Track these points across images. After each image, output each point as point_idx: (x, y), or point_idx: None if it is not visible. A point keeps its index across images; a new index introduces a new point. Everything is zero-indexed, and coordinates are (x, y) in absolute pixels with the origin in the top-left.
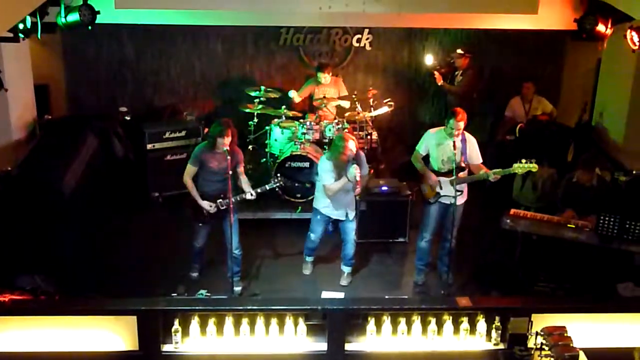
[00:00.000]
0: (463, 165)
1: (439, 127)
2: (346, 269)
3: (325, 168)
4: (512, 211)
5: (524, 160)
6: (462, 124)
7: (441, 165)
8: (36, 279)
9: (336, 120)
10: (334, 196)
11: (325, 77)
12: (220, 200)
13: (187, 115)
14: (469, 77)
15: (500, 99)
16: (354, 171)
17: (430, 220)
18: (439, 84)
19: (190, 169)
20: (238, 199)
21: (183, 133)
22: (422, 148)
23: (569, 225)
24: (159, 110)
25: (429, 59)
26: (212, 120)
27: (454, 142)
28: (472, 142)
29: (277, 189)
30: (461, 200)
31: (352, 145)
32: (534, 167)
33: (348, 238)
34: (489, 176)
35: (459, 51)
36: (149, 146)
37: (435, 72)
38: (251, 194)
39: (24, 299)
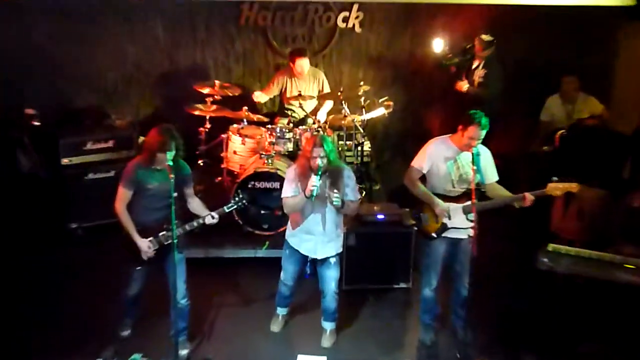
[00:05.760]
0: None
1: (446, 135)
2: (328, 326)
3: (288, 177)
4: (551, 246)
5: (556, 179)
6: (484, 132)
7: (451, 187)
8: None
9: (315, 125)
10: (292, 213)
11: (301, 67)
12: (164, 232)
13: (116, 119)
14: (494, 71)
15: (534, 99)
16: (310, 184)
17: (435, 260)
18: (464, 89)
19: (123, 194)
20: (195, 224)
21: (110, 143)
22: (423, 164)
23: (625, 265)
24: (78, 112)
25: (438, 45)
26: (149, 127)
27: (472, 155)
28: (487, 155)
29: (236, 217)
30: (471, 232)
31: (318, 151)
32: (574, 186)
33: (326, 288)
34: (517, 201)
35: (484, 37)
36: (65, 161)
37: (452, 68)
38: (212, 217)
39: None
